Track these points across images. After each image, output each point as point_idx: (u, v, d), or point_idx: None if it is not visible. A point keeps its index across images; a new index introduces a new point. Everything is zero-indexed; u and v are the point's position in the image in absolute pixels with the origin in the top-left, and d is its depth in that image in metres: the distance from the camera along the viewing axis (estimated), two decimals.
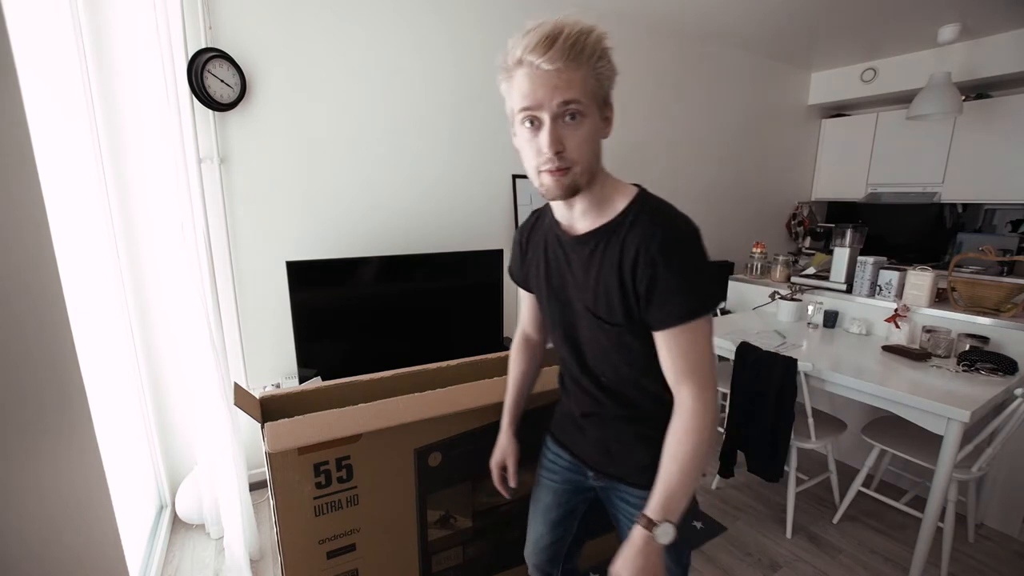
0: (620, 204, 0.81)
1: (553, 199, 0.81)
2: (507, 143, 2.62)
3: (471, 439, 1.35)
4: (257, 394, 1.27)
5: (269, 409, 1.27)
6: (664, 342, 0.79)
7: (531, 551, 1.15)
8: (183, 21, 1.58)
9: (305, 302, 1.98)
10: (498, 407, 1.36)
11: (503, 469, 1.17)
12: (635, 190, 0.83)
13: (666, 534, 0.78)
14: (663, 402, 0.83)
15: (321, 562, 1.19)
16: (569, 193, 0.78)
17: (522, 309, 1.14)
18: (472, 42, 2.43)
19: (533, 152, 0.76)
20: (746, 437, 1.95)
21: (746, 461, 1.97)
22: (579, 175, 0.76)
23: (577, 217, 0.84)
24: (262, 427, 1.10)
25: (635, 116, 3.09)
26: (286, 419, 1.10)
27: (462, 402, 1.29)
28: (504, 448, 1.18)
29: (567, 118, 0.72)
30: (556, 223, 0.88)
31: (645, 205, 0.81)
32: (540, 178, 0.77)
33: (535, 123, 0.74)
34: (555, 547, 1.12)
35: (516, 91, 0.73)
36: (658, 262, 0.75)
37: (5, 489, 0.65)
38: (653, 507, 0.79)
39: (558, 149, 0.73)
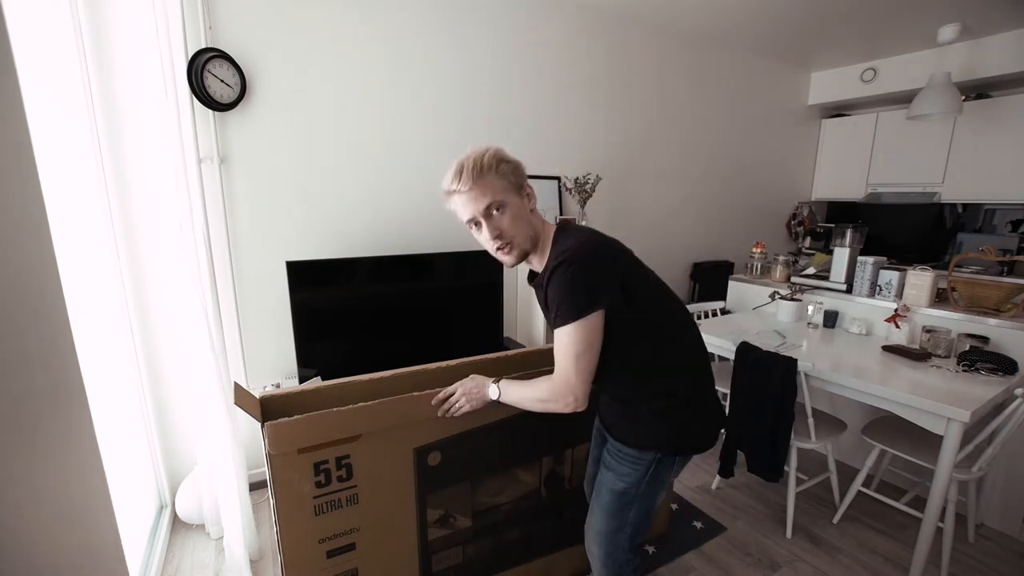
0: (549, 250, 1.10)
1: (513, 266, 1.13)
2: (507, 143, 2.61)
3: (471, 438, 1.35)
4: (257, 394, 1.27)
5: (269, 409, 1.26)
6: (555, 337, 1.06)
7: (587, 483, 1.44)
8: (183, 21, 1.58)
9: (305, 302, 1.98)
10: (498, 408, 1.36)
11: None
12: (556, 231, 1.11)
13: (492, 391, 1.20)
14: (634, 390, 1.12)
15: (321, 561, 1.19)
16: (520, 260, 1.11)
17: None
18: (475, 42, 2.43)
19: (485, 243, 1.08)
20: (746, 437, 1.95)
21: (746, 461, 1.97)
22: (521, 244, 1.07)
23: (536, 266, 1.15)
24: (262, 426, 1.10)
25: (636, 117, 3.09)
26: (286, 419, 1.10)
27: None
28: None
29: (494, 212, 1.04)
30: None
31: (556, 245, 1.08)
32: (498, 256, 1.10)
33: (478, 225, 1.06)
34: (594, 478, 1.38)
35: (458, 210, 1.07)
36: (549, 284, 1.04)
37: (5, 489, 0.65)
38: (504, 379, 1.20)
39: (496, 235, 1.05)
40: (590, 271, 1.00)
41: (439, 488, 1.34)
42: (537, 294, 1.16)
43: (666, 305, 1.14)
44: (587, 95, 2.85)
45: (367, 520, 1.24)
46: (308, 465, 1.13)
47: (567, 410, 1.04)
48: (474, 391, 1.22)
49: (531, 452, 1.48)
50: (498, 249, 1.07)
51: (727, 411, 2.06)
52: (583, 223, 2.83)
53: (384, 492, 1.25)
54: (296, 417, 1.11)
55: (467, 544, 1.44)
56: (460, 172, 1.03)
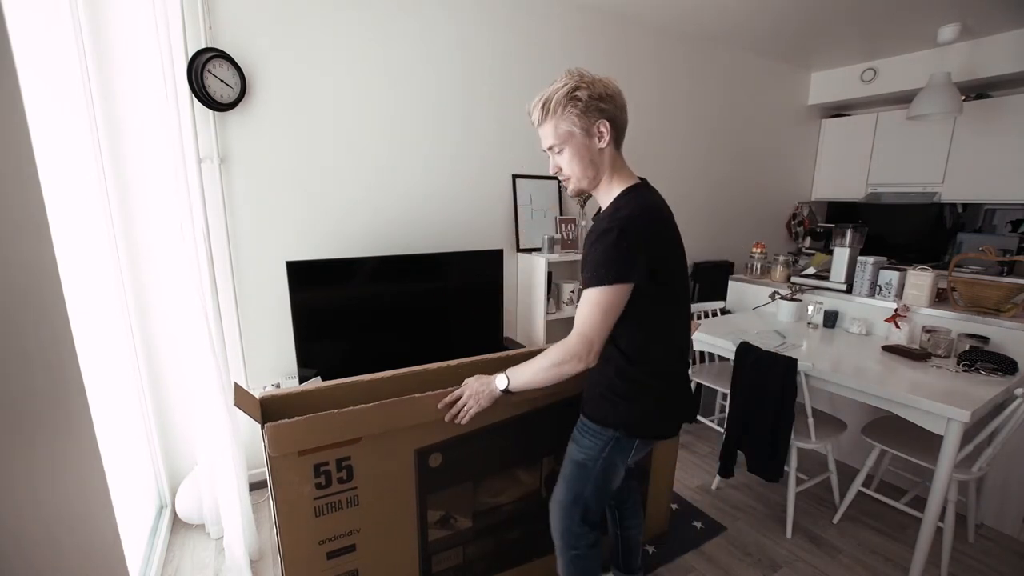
0: (611, 200, 1.15)
1: (572, 197, 1.22)
2: (508, 143, 2.62)
3: (472, 440, 1.34)
4: (257, 394, 1.26)
5: (269, 409, 1.26)
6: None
7: None
8: (183, 21, 1.58)
9: (305, 302, 1.98)
10: (500, 409, 1.36)
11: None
12: (625, 188, 1.14)
13: (500, 383, 1.21)
14: (616, 370, 1.14)
15: (321, 562, 1.19)
16: (578, 194, 1.21)
17: None
18: (477, 42, 2.43)
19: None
20: (746, 437, 1.95)
21: (746, 461, 1.97)
22: (578, 182, 1.15)
23: (601, 202, 1.20)
24: (262, 428, 1.09)
25: (636, 117, 3.07)
26: (286, 420, 1.10)
27: None
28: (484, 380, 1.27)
29: (555, 151, 1.14)
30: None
31: (617, 201, 1.13)
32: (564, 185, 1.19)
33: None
34: None
35: None
36: (588, 243, 1.10)
37: (5, 489, 0.65)
38: (510, 368, 1.21)
39: (556, 170, 1.17)
40: (635, 244, 1.03)
41: (440, 489, 1.34)
42: (587, 236, 1.16)
43: (676, 307, 1.17)
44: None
45: (367, 521, 1.24)
46: (308, 467, 1.13)
47: (581, 367, 1.08)
48: (481, 390, 1.22)
49: (533, 453, 1.48)
50: (560, 181, 1.18)
51: (727, 411, 2.06)
52: (583, 223, 2.84)
53: (385, 494, 1.25)
54: (296, 419, 1.11)
55: (467, 545, 1.44)
56: (535, 108, 1.12)
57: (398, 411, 1.20)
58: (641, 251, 1.04)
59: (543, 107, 1.10)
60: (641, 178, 1.19)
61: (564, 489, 1.26)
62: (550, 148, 1.13)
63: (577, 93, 1.07)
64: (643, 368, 1.13)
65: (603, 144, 1.11)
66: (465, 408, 1.23)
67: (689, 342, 1.24)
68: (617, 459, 1.19)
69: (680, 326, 1.20)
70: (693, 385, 2.73)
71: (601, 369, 1.16)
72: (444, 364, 1.48)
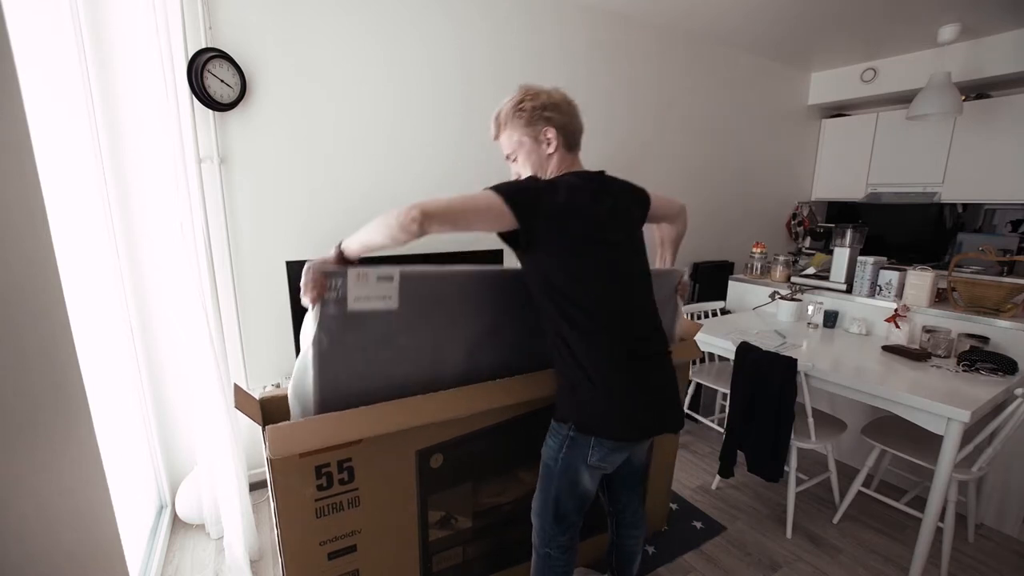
0: None
1: None
2: None
3: (473, 440, 1.34)
4: (257, 394, 1.26)
5: (269, 410, 1.26)
6: None
7: None
8: (183, 21, 1.58)
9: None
10: (501, 410, 1.35)
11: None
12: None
13: (332, 252, 1.11)
14: (563, 362, 1.15)
15: (322, 563, 1.19)
16: None
17: None
18: (476, 42, 2.42)
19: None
20: (746, 437, 1.95)
21: (746, 461, 1.97)
22: None
23: None
24: (263, 430, 1.09)
25: (636, 117, 3.09)
26: (287, 423, 1.09)
27: (465, 407, 1.28)
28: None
29: (511, 159, 1.25)
30: None
31: None
32: None
33: None
34: None
35: None
36: None
37: (4, 489, 0.65)
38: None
39: (516, 178, 1.23)
40: (533, 187, 1.12)
41: (441, 490, 1.34)
42: None
43: (605, 305, 1.12)
44: (587, 95, 2.85)
45: (368, 522, 1.23)
46: (310, 469, 1.12)
47: (406, 221, 0.99)
48: (314, 269, 1.06)
49: (534, 452, 1.48)
50: None
51: (727, 411, 2.06)
52: None
53: (386, 494, 1.25)
54: (298, 421, 1.10)
55: (468, 544, 1.43)
56: (492, 122, 1.26)
57: (399, 414, 1.20)
58: (537, 196, 1.09)
59: (496, 121, 1.24)
60: (598, 172, 1.23)
61: (538, 490, 1.28)
62: (507, 157, 1.24)
63: (522, 105, 1.18)
64: (586, 365, 1.11)
65: (551, 149, 1.19)
66: (304, 295, 1.06)
67: (648, 344, 1.18)
68: (575, 458, 1.16)
69: (622, 324, 1.13)
70: (693, 385, 2.73)
71: (555, 362, 1.19)
72: None
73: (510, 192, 1.08)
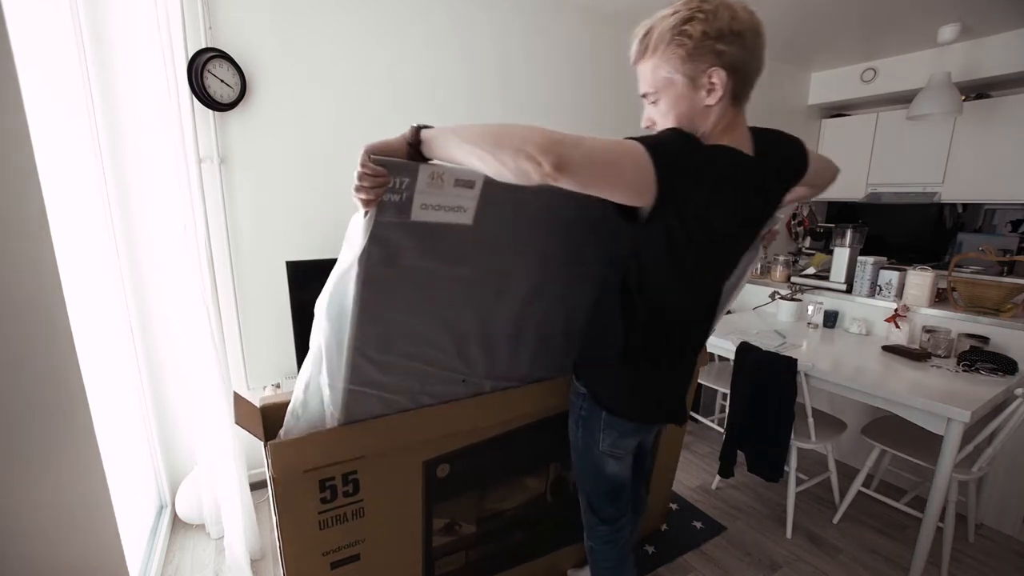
0: None
1: None
2: None
3: (480, 450, 1.32)
4: (257, 395, 1.24)
5: (270, 418, 1.19)
6: None
7: None
8: (183, 21, 1.58)
9: (305, 302, 1.97)
10: (508, 421, 1.34)
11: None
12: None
13: (425, 140, 0.87)
14: (608, 330, 1.06)
15: (324, 573, 1.16)
16: None
17: None
18: (477, 42, 2.42)
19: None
20: (746, 437, 1.95)
21: (746, 461, 1.97)
22: None
23: None
24: (264, 446, 1.04)
25: (637, 117, 3.08)
26: (289, 439, 1.05)
27: (472, 419, 1.27)
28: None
29: (648, 100, 0.92)
30: None
31: None
32: None
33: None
34: None
35: None
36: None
37: (5, 489, 0.65)
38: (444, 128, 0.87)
39: (648, 125, 0.96)
40: (692, 160, 0.82)
41: (447, 498, 1.31)
42: None
43: (691, 287, 1.00)
44: (588, 95, 2.85)
45: (373, 531, 1.21)
46: (314, 483, 1.09)
47: (529, 167, 0.72)
48: (377, 159, 0.80)
49: (541, 459, 1.47)
50: None
51: (727, 411, 2.06)
52: None
53: (391, 504, 1.22)
54: (300, 437, 1.06)
55: (471, 549, 1.42)
56: (634, 40, 0.88)
57: (404, 427, 1.17)
58: (689, 166, 0.81)
59: (642, 42, 0.86)
60: (761, 153, 0.92)
61: (574, 469, 1.25)
62: (644, 96, 0.91)
63: (687, 27, 0.81)
64: (628, 348, 1.02)
65: (712, 100, 0.84)
66: (358, 187, 0.82)
67: (693, 352, 1.15)
68: (593, 428, 1.10)
69: (681, 334, 1.08)
70: (692, 386, 2.73)
71: (599, 322, 1.09)
72: None
73: (664, 161, 0.78)
